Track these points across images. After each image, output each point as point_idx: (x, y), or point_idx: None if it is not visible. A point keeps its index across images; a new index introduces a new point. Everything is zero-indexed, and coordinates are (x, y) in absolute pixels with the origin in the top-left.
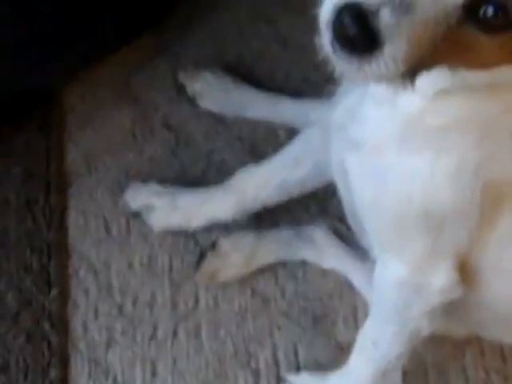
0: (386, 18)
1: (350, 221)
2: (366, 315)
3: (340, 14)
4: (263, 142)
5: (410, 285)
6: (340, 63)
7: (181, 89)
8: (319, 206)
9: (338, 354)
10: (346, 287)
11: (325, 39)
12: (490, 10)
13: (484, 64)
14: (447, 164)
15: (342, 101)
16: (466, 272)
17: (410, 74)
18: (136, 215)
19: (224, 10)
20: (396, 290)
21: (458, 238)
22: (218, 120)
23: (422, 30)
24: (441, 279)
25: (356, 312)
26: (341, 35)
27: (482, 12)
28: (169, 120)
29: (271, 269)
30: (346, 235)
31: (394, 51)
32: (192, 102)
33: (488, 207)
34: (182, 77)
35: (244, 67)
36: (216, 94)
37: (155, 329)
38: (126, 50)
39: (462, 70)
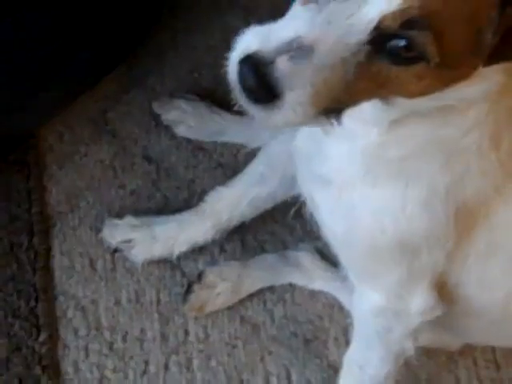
0: (282, 67)
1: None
2: None
3: (241, 66)
4: (244, 166)
5: (388, 312)
6: (251, 112)
7: (158, 119)
8: (303, 227)
9: (331, 375)
10: (335, 307)
11: (235, 90)
12: (398, 44)
13: (412, 93)
14: (417, 193)
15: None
16: (448, 289)
17: (333, 112)
18: (117, 251)
19: (197, 34)
20: (375, 318)
21: (435, 261)
22: (198, 148)
23: (326, 72)
24: (419, 302)
25: (347, 332)
26: (245, 87)
27: (388, 46)
28: (149, 152)
29: (259, 294)
30: (332, 256)
31: (296, 98)
32: (170, 131)
33: (462, 226)
34: (157, 106)
35: (220, 93)
36: (192, 121)
37: (146, 363)
38: (101, 85)
39: (398, 100)
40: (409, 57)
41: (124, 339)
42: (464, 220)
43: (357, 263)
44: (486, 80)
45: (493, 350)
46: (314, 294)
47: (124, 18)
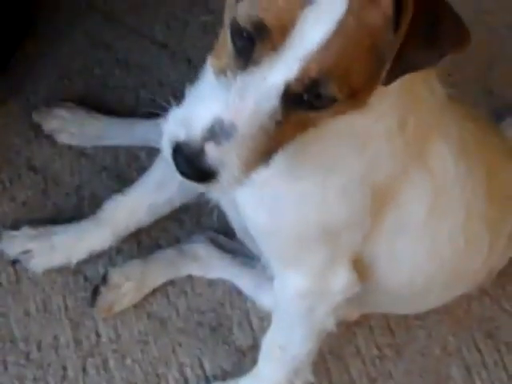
0: (211, 153)
1: (242, 237)
2: (258, 317)
3: (174, 156)
4: (127, 167)
5: (312, 293)
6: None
7: (38, 129)
8: (193, 220)
9: (241, 359)
10: (234, 294)
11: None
12: (309, 98)
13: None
14: (336, 182)
15: None
16: (363, 266)
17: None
18: (15, 262)
19: (61, 41)
20: (299, 300)
21: (354, 241)
22: (80, 153)
23: (250, 141)
24: (341, 281)
25: (248, 315)
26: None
27: (301, 100)
28: (33, 162)
29: (161, 289)
30: (226, 244)
31: (230, 173)
32: (51, 140)
33: (377, 207)
34: (37, 116)
35: (93, 97)
36: (72, 128)
37: (64, 369)
38: None
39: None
40: (321, 104)
41: (39, 348)
42: (378, 201)
43: (281, 251)
44: None
45: (385, 316)
46: (212, 283)
47: None
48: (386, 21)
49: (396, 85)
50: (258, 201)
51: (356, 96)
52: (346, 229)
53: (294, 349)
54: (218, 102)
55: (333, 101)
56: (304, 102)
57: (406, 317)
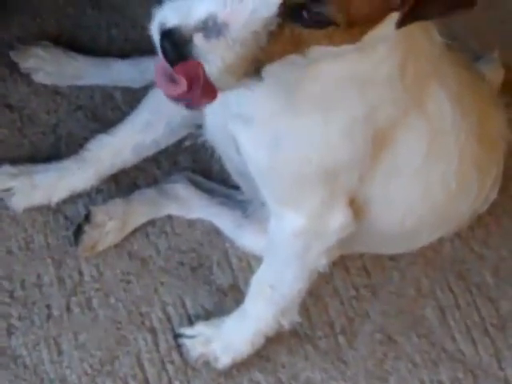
0: (198, 44)
1: (236, 178)
2: (237, 257)
3: (162, 41)
4: (102, 107)
5: (309, 232)
6: None
7: (13, 67)
8: (170, 160)
9: (222, 298)
10: (213, 233)
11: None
12: (306, 14)
13: (324, 46)
14: (337, 123)
15: None
16: (357, 206)
17: (253, 72)
18: None
19: None
20: (295, 239)
21: (351, 181)
22: (55, 92)
23: (239, 46)
24: (338, 220)
25: (227, 255)
26: (167, 59)
27: (298, 15)
28: (8, 100)
29: (141, 228)
30: (205, 184)
31: (211, 69)
32: (26, 78)
33: (375, 149)
34: (14, 55)
35: (66, 36)
36: (50, 67)
37: (49, 308)
38: None
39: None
40: (318, 22)
41: (22, 287)
42: (377, 144)
43: (280, 191)
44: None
45: (360, 257)
46: (191, 223)
47: None
48: None
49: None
50: (259, 139)
51: (352, 27)
52: (346, 169)
53: (285, 288)
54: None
55: (329, 23)
56: (301, 17)
57: (380, 257)
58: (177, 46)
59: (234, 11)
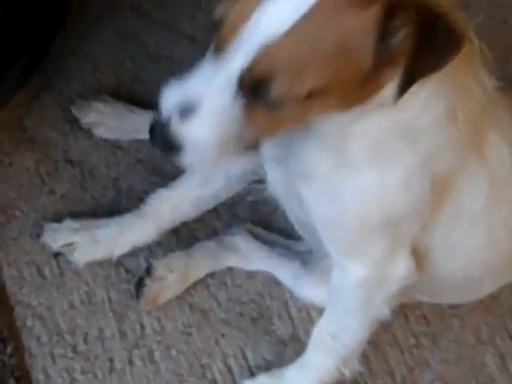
0: (174, 126)
1: (300, 230)
2: (296, 307)
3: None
4: (162, 160)
5: (372, 282)
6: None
7: (73, 122)
8: (229, 212)
9: (283, 349)
10: (273, 284)
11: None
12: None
13: (320, 114)
14: (393, 175)
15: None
16: (419, 256)
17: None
18: (58, 255)
19: (94, 37)
20: (359, 289)
21: (413, 230)
22: (115, 146)
23: (215, 123)
24: (400, 270)
25: (287, 306)
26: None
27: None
28: (69, 155)
29: (202, 281)
30: (264, 236)
31: (193, 148)
32: (86, 133)
33: (435, 197)
34: (75, 110)
35: (124, 90)
36: (110, 122)
37: (111, 361)
38: None
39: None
40: (274, 101)
41: (85, 340)
42: (437, 192)
43: (343, 242)
44: None
45: (419, 305)
46: (251, 275)
47: (30, 26)
48: (367, 26)
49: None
50: (320, 195)
51: (326, 95)
52: (407, 219)
53: (346, 337)
54: (190, 81)
55: (283, 99)
56: (260, 97)
57: (439, 306)
58: (159, 134)
59: (203, 89)
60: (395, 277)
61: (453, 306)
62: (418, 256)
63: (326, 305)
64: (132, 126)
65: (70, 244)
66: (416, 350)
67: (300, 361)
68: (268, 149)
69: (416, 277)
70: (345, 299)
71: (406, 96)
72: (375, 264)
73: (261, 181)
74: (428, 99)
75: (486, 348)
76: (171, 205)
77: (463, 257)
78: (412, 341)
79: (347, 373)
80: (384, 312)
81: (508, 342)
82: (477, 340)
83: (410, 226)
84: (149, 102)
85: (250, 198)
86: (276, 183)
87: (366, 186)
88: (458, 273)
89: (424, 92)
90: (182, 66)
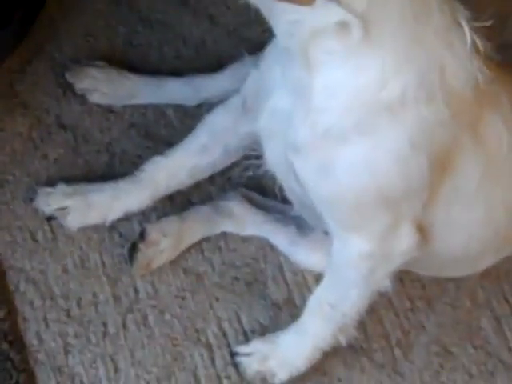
0: None
1: (298, 207)
2: (292, 272)
3: None
4: (155, 124)
5: (375, 256)
6: None
7: (66, 87)
8: (224, 176)
9: (277, 313)
10: (267, 249)
11: None
12: None
13: None
14: (385, 150)
15: (264, 106)
16: (423, 230)
17: None
18: (51, 219)
19: (85, 1)
20: (361, 262)
21: (415, 207)
22: (109, 111)
23: None
24: (404, 243)
25: (282, 270)
26: None
27: None
28: (62, 120)
29: (196, 245)
30: (259, 201)
31: None
32: (79, 98)
33: (436, 173)
34: (69, 76)
35: (118, 55)
36: (105, 88)
37: (105, 325)
38: None
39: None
40: None
41: (79, 305)
42: (437, 170)
43: (343, 218)
44: None
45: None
46: (246, 239)
47: None
48: None
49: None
50: (314, 168)
51: None
52: (406, 195)
53: (346, 307)
54: None
55: None
56: None
57: None
58: None
59: None
60: (399, 251)
61: None
62: (421, 231)
63: (325, 274)
64: (126, 91)
65: (63, 208)
66: (411, 313)
67: (295, 326)
68: (264, 122)
69: (419, 251)
70: (346, 272)
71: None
72: (378, 238)
73: (258, 157)
74: (391, 65)
75: (482, 311)
76: (167, 173)
77: (463, 233)
78: (407, 304)
79: (343, 339)
80: (386, 284)
81: (504, 305)
82: (472, 303)
83: (411, 202)
84: (142, 67)
85: (248, 173)
86: (273, 159)
87: (358, 159)
88: (458, 248)
89: (384, 55)
90: (175, 31)
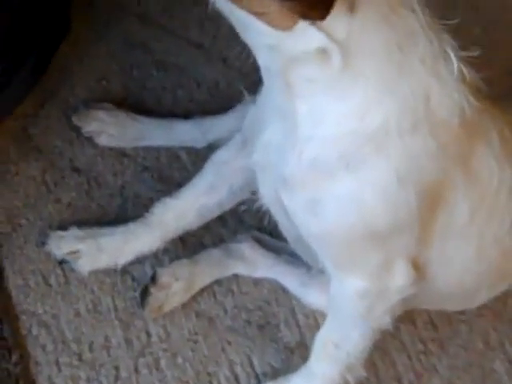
0: None
1: (295, 246)
2: (304, 314)
3: None
4: (168, 167)
5: (371, 293)
6: None
7: (79, 130)
8: (235, 218)
9: (289, 356)
10: (279, 291)
11: None
12: None
13: None
14: (370, 185)
15: (258, 140)
16: (419, 266)
17: None
18: (63, 263)
19: (100, 44)
20: (357, 301)
21: (408, 244)
22: (121, 154)
23: None
24: (399, 280)
25: (294, 313)
26: None
27: None
28: (76, 163)
29: (208, 288)
30: (270, 243)
31: None
32: (92, 141)
33: (426, 209)
34: (76, 119)
35: (131, 98)
36: (112, 130)
37: (117, 369)
38: None
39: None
40: None
41: (91, 349)
42: (427, 206)
43: (334, 255)
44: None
45: (427, 311)
46: (257, 282)
47: (35, 33)
48: None
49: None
50: (302, 205)
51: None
52: (396, 232)
53: (349, 346)
54: None
55: None
56: None
57: (447, 311)
58: None
59: None
60: (395, 288)
61: (461, 312)
62: (418, 267)
63: (328, 313)
64: (135, 133)
65: (75, 252)
66: (424, 355)
67: (304, 369)
68: (258, 156)
69: (417, 287)
70: (345, 310)
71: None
72: (372, 276)
73: (254, 192)
74: (373, 93)
75: (495, 354)
76: (176, 213)
77: (458, 269)
78: (420, 347)
79: (352, 380)
80: (386, 321)
81: None
82: (485, 345)
83: (403, 240)
84: (155, 110)
85: (242, 208)
86: (266, 194)
87: (344, 195)
88: (454, 284)
89: (366, 84)
90: (188, 74)
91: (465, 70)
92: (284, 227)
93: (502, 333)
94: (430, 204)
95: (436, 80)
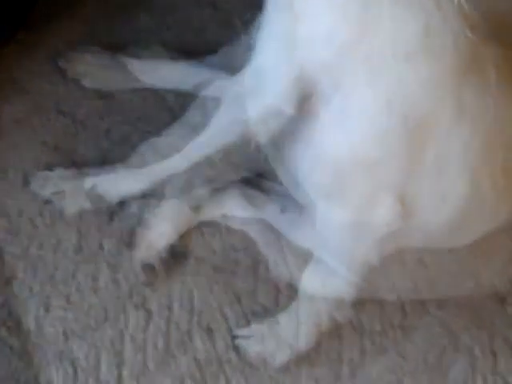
0: None
1: (284, 179)
2: (292, 253)
3: None
4: (155, 109)
5: (355, 225)
6: None
7: (64, 73)
8: (223, 159)
9: (278, 296)
10: (268, 232)
11: None
12: None
13: None
14: (361, 112)
15: (250, 65)
16: (406, 202)
17: None
18: (47, 202)
19: None
20: (342, 231)
21: (395, 177)
22: (107, 96)
23: None
24: (384, 214)
25: (283, 252)
26: None
27: None
28: (61, 106)
29: (196, 229)
30: (259, 184)
31: None
32: (78, 83)
33: (415, 141)
34: (62, 62)
35: (118, 41)
36: (98, 72)
37: (105, 310)
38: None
39: None
40: None
41: (78, 290)
42: (416, 136)
43: (323, 186)
44: None
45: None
46: (246, 222)
47: None
48: None
49: None
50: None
51: None
52: (384, 163)
53: (337, 282)
54: None
55: None
56: None
57: (423, 301)
58: None
59: None
60: (378, 222)
61: (438, 307)
62: (406, 203)
63: (312, 249)
64: (121, 75)
65: (59, 192)
66: (378, 336)
67: (293, 307)
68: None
69: (403, 223)
70: (331, 244)
71: None
72: (358, 208)
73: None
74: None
75: (459, 356)
76: (162, 154)
77: (448, 206)
78: (377, 327)
79: (340, 317)
80: (372, 258)
81: (488, 356)
82: (451, 345)
83: (389, 172)
84: (143, 53)
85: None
86: (255, 118)
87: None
88: (443, 221)
89: None
90: (175, 16)
91: (464, 3)
92: (273, 158)
93: (475, 338)
94: (419, 136)
95: (436, 7)
